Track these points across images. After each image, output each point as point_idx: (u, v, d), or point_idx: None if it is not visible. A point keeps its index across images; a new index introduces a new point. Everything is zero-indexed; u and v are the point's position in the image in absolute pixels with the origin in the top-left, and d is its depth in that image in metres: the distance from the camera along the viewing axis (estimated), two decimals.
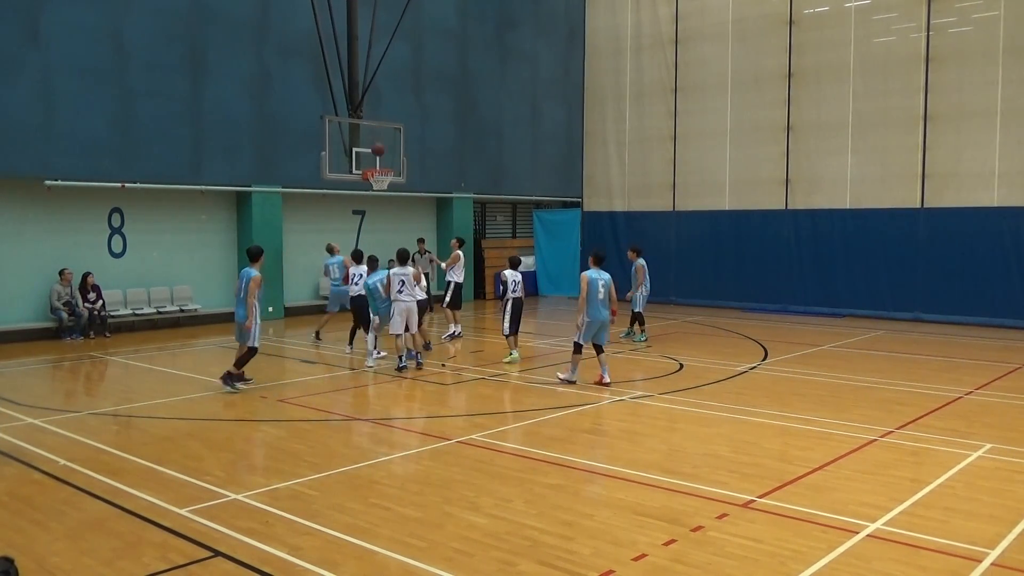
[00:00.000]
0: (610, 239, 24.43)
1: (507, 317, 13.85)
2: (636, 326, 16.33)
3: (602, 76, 24.88)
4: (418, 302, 13.46)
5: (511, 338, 13.94)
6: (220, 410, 10.53)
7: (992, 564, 5.66)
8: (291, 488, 7.31)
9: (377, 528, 6.30)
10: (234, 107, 19.25)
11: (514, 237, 27.25)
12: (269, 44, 19.86)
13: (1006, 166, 18.12)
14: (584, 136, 25.54)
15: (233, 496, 7.08)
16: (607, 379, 11.78)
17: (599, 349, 11.94)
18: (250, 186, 19.78)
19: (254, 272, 11.59)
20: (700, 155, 22.87)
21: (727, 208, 22.34)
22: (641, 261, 16.26)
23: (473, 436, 9.10)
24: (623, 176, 24.56)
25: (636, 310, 16.23)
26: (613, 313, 11.94)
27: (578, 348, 11.92)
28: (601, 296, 11.64)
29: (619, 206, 24.57)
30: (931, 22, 18.99)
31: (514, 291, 13.97)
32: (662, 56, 23.45)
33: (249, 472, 8.08)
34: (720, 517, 6.56)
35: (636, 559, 5.75)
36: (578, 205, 25.80)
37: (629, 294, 16.15)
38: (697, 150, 22.93)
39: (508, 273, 14.12)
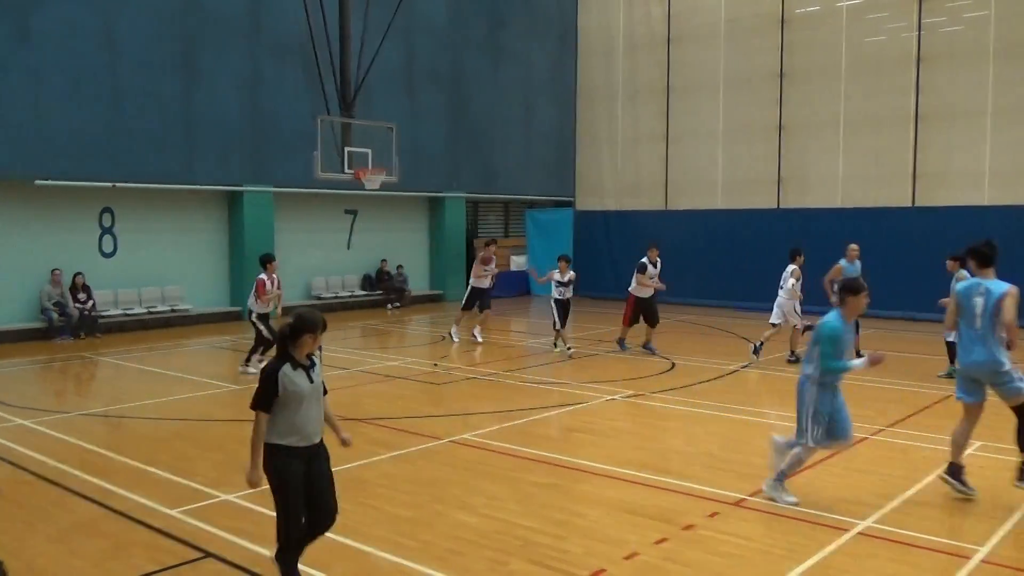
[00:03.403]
0: (602, 238, 24.46)
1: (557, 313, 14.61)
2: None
3: (594, 75, 24.89)
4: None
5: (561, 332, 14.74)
6: (212, 410, 10.49)
7: (982, 561, 5.68)
8: None
9: (368, 528, 6.29)
10: (225, 107, 19.18)
11: (507, 236, 27.25)
12: (261, 44, 19.80)
13: (997, 165, 18.20)
14: (576, 135, 25.55)
15: (224, 497, 7.06)
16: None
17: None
18: (241, 186, 19.72)
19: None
20: (692, 154, 22.90)
21: (720, 207, 22.38)
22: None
23: (465, 436, 9.09)
24: (615, 175, 24.58)
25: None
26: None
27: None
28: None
29: (611, 205, 24.58)
30: (922, 21, 19.06)
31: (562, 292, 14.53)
32: (655, 56, 23.47)
33: (240, 472, 8.02)
34: (711, 516, 6.57)
35: (628, 558, 5.76)
36: (570, 204, 25.81)
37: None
38: (689, 149, 22.96)
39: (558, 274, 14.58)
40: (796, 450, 6.85)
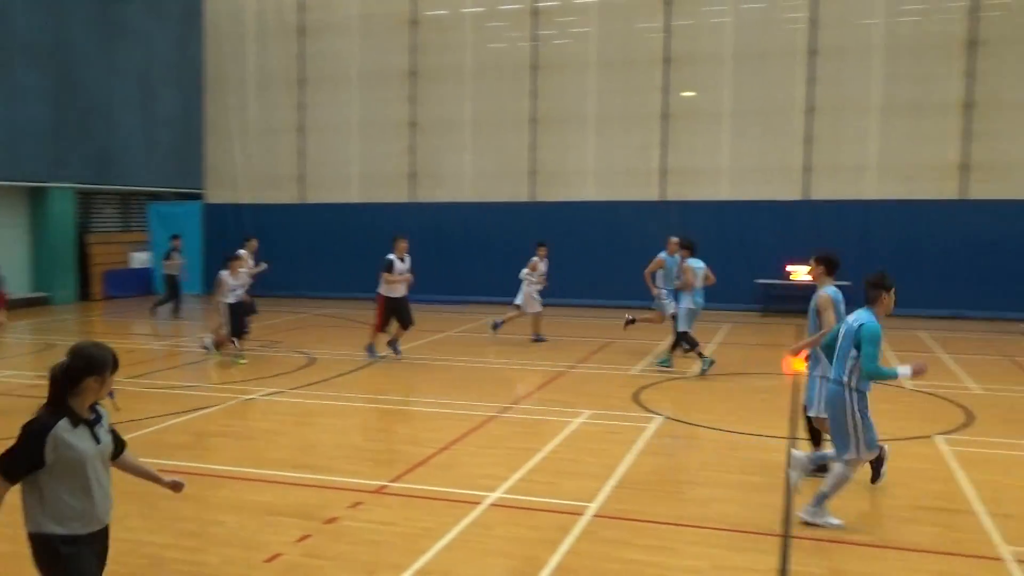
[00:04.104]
0: (235, 233, 23.39)
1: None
2: (679, 347, 12.65)
3: (224, 62, 23.70)
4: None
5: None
6: None
7: (593, 516, 6.39)
8: None
9: None
10: None
11: (125, 231, 24.86)
12: None
13: (600, 166, 20.67)
14: (205, 124, 24.16)
15: None
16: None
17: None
18: None
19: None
20: (328, 148, 22.83)
21: (356, 201, 22.59)
22: (693, 262, 12.27)
23: None
24: (249, 167, 23.67)
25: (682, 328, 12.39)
26: None
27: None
28: None
29: (245, 198, 23.63)
30: (537, 33, 20.95)
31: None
32: (287, 45, 22.97)
33: None
34: (354, 506, 6.60)
35: (269, 560, 5.57)
36: (199, 197, 24.34)
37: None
38: (325, 143, 22.86)
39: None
40: (839, 468, 6.14)
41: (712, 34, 19.88)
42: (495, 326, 15.18)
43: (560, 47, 21.04)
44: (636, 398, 10.47)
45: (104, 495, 3.76)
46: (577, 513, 6.42)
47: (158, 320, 18.40)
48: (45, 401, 3.71)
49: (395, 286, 13.17)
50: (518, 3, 21.20)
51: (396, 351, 13.27)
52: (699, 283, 12.16)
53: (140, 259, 23.93)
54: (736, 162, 19.80)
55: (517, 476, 7.32)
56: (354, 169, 22.70)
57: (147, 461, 7.70)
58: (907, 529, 6.20)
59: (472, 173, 21.82)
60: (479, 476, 7.34)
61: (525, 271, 15.09)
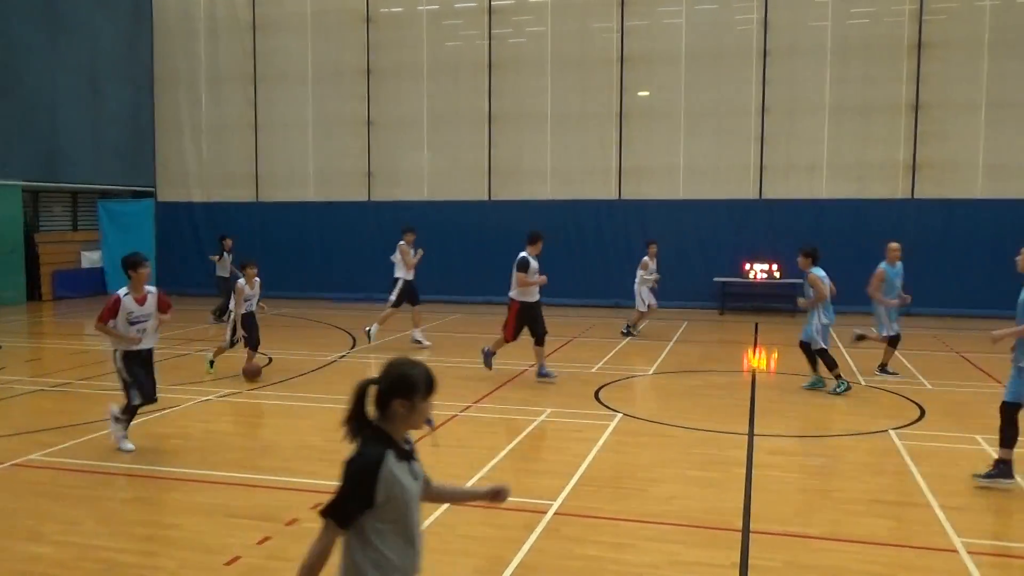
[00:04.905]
0: (189, 232, 23.07)
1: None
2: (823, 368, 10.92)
3: (174, 58, 23.30)
4: None
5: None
6: None
7: (556, 513, 6.41)
8: None
9: None
10: None
11: (75, 230, 24.28)
12: None
13: (556, 164, 20.72)
14: (156, 121, 23.72)
15: None
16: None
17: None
18: None
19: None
20: (283, 146, 22.58)
21: (312, 199, 22.38)
22: (818, 272, 10.78)
23: (32, 456, 7.93)
24: (201, 165, 23.30)
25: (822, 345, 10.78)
26: None
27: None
28: None
29: (198, 196, 23.26)
30: (492, 32, 20.94)
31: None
32: (240, 42, 22.66)
33: None
34: (315, 507, 6.49)
35: (229, 563, 5.49)
36: (151, 195, 23.88)
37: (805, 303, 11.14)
38: (280, 140, 22.60)
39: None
40: None
41: (666, 35, 20.08)
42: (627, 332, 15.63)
43: (516, 46, 21.07)
44: (597, 396, 10.53)
45: (421, 544, 3.19)
46: (540, 511, 6.43)
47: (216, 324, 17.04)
48: (355, 426, 3.24)
49: (531, 289, 11.53)
50: (473, 1, 21.17)
51: (488, 363, 11.69)
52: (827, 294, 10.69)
53: (91, 259, 23.39)
54: (692, 161, 20.02)
55: (479, 475, 7.31)
56: (310, 167, 22.48)
57: (100, 465, 7.60)
58: (863, 522, 6.33)
59: (429, 172, 21.76)
60: (441, 476, 7.27)
61: (640, 271, 15.87)
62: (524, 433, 8.72)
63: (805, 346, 10.87)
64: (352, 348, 14.39)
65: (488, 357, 11.81)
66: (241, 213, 22.48)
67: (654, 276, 15.98)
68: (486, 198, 21.25)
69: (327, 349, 14.09)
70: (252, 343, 11.73)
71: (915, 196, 18.83)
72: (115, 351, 7.99)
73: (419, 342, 14.41)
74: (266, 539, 5.88)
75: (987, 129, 18.39)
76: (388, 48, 21.67)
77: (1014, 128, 18.24)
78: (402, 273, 14.36)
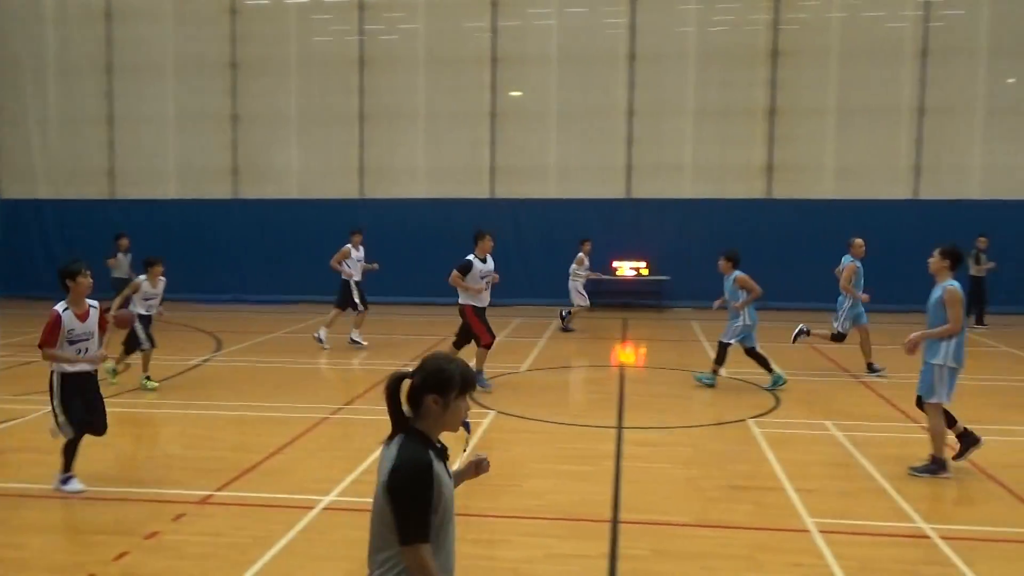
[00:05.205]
0: (35, 231, 21.63)
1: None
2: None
3: (17, 44, 21.76)
4: None
5: None
6: None
7: (324, 508, 6.35)
8: None
9: None
10: None
11: None
12: None
13: (430, 163, 20.64)
14: None
15: None
16: None
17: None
18: None
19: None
20: (141, 140, 21.48)
21: (173, 197, 21.41)
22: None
23: None
24: (49, 160, 21.88)
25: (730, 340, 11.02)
26: None
27: None
28: None
29: (45, 193, 21.84)
30: (364, 27, 20.62)
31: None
32: (92, 30, 21.39)
33: None
34: (177, 519, 6.25)
35: None
36: None
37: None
38: (137, 135, 21.48)
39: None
40: None
41: (538, 36, 20.34)
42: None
43: (388, 43, 20.83)
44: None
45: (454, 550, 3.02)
46: (307, 508, 6.38)
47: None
48: (396, 425, 2.98)
49: (480, 293, 10.72)
50: None
51: (483, 384, 10.67)
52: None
53: None
54: (563, 161, 20.39)
55: (351, 478, 7.18)
56: (171, 163, 21.50)
57: None
58: (723, 507, 6.61)
59: (299, 169, 21.23)
60: (311, 480, 7.14)
61: (573, 266, 16.50)
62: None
63: (750, 351, 10.95)
64: (216, 351, 13.86)
65: (480, 378, 10.48)
66: (93, 211, 21.23)
67: (586, 273, 16.75)
68: (358, 196, 20.93)
69: (190, 352, 13.51)
70: (151, 344, 10.92)
71: (772, 196, 19.83)
72: (52, 372, 6.85)
73: (357, 342, 14.19)
74: (123, 554, 5.58)
75: (837, 133, 19.60)
76: (254, 41, 20.97)
77: (861, 132, 19.51)
78: (350, 275, 14.20)
